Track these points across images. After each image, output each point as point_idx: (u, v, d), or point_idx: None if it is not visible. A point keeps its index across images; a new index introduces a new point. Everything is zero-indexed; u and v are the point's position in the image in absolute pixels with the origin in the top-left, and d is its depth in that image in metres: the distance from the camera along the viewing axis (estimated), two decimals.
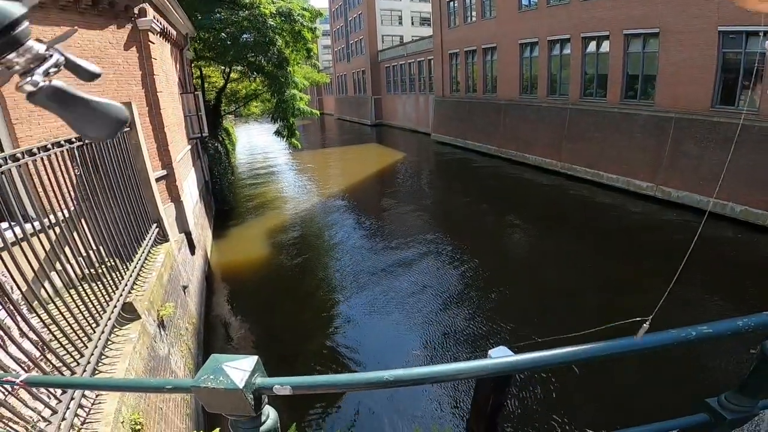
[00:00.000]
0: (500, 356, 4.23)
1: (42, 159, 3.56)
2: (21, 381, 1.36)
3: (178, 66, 12.14)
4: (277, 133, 20.14)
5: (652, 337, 0.95)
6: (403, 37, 42.75)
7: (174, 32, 10.73)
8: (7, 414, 2.46)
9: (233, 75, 20.36)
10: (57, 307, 3.36)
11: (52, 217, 3.53)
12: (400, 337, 8.19)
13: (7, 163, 3.09)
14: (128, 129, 5.89)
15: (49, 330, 3.21)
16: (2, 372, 1.70)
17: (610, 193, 15.72)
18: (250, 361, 0.94)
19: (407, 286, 10.07)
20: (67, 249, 3.72)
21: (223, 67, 19.51)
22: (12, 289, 2.88)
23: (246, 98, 23.02)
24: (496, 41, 23.31)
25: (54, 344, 3.15)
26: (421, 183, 22.00)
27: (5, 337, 2.68)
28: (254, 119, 34.75)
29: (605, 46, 16.67)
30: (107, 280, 4.23)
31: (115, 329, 4.07)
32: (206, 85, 20.76)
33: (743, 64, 12.16)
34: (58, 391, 2.91)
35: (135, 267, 5.01)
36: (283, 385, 0.94)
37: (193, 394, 0.93)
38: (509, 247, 12.65)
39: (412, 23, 44.56)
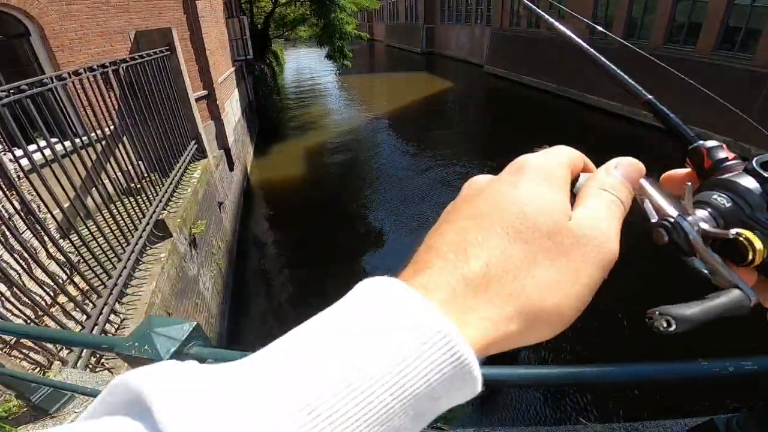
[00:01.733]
0: None
1: (87, 78, 3.83)
2: None
3: None
4: (329, 56, 19.74)
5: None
6: None
7: None
8: (29, 343, 2.46)
9: None
10: (88, 228, 3.48)
11: (93, 134, 3.83)
12: None
13: (53, 82, 3.32)
14: (168, 53, 6.09)
15: (78, 252, 3.26)
16: None
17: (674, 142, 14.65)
18: (184, 328, 0.81)
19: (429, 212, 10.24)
20: (107, 166, 4.00)
21: None
22: (39, 208, 2.84)
23: (294, 22, 22.49)
24: None
25: (83, 266, 3.23)
26: (468, 115, 21.27)
27: (30, 260, 2.61)
28: (303, 43, 34.11)
29: None
30: (142, 197, 4.53)
31: (146, 248, 4.26)
32: (255, 9, 20.34)
33: None
34: (83, 317, 2.99)
35: (170, 183, 5.34)
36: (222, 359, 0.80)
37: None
38: None
39: None
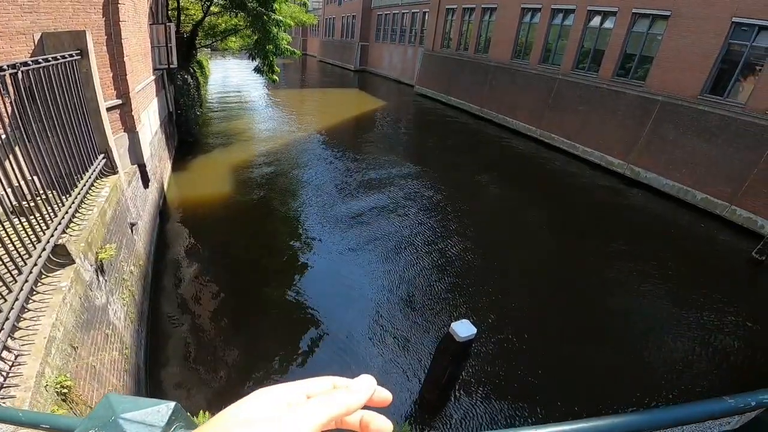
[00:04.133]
0: (463, 329, 4.31)
1: None
2: None
3: None
4: (257, 70, 19.25)
5: None
6: None
7: None
8: None
9: (213, 9, 19.03)
10: None
11: None
12: (360, 282, 8.46)
13: None
14: (78, 57, 5.51)
15: None
16: None
17: (581, 165, 16.23)
18: (161, 411, 0.62)
19: (370, 230, 10.35)
20: None
21: (203, 1, 18.15)
22: None
23: (225, 33, 21.73)
24: (497, 2, 22.59)
25: None
26: (398, 132, 21.95)
27: None
28: (232, 54, 33.08)
29: (610, 22, 16.44)
30: (36, 218, 3.97)
31: (42, 276, 3.75)
32: (183, 16, 19.34)
33: (745, 57, 12.27)
34: None
35: (72, 203, 4.76)
36: None
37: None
38: (471, 198, 13.01)
39: None
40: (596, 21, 17.16)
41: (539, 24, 19.89)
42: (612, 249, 10.03)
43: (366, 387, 0.40)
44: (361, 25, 41.07)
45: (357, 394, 0.39)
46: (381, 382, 0.43)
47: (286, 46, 17.96)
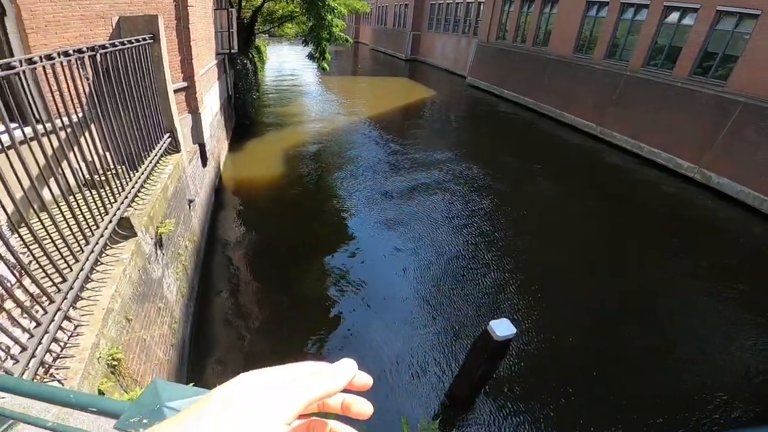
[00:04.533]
0: (501, 328, 4.20)
1: (60, 63, 3.53)
2: None
3: None
4: (310, 56, 19.58)
5: None
6: None
7: None
8: None
9: None
10: (42, 224, 3.15)
11: (58, 121, 3.51)
12: (405, 260, 8.61)
13: (21, 66, 2.98)
14: (151, 41, 5.79)
15: (30, 251, 2.95)
16: None
17: (644, 166, 15.28)
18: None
19: (414, 211, 10.44)
20: (70, 155, 3.68)
21: None
22: None
23: (281, 19, 22.18)
24: None
25: (34, 266, 2.91)
26: (448, 121, 21.65)
27: None
28: (288, 40, 33.78)
29: (689, 19, 15.34)
30: (106, 191, 4.21)
31: (107, 248, 3.92)
32: (243, 2, 19.97)
33: None
34: (32, 325, 2.75)
35: (139, 178, 5.03)
36: None
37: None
38: (522, 191, 12.63)
39: None
40: (673, 17, 16.05)
41: (606, 18, 18.89)
42: (680, 261, 9.31)
43: (347, 371, 0.42)
44: (413, 14, 40.63)
45: (339, 378, 0.41)
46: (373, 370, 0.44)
47: (339, 33, 18.11)
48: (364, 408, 0.43)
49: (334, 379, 0.40)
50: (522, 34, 25.16)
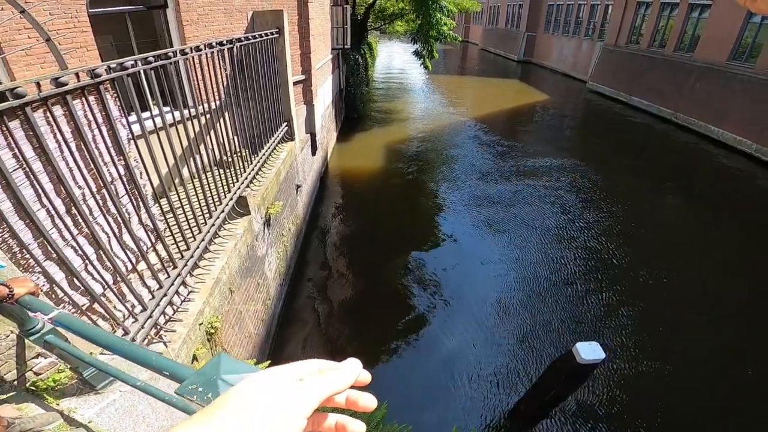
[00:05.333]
0: (588, 351, 3.89)
1: (206, 54, 3.97)
2: (50, 318, 1.52)
3: None
4: (416, 53, 19.68)
5: None
6: None
7: None
8: (100, 310, 2.55)
9: None
10: (178, 196, 3.57)
11: (201, 107, 3.97)
12: (501, 268, 8.32)
13: (176, 56, 3.42)
14: (277, 35, 6.26)
15: (165, 219, 3.31)
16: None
17: None
18: None
19: (517, 218, 10.05)
20: (206, 138, 4.12)
21: None
22: (141, 174, 2.91)
23: (392, 16, 22.63)
24: None
25: (166, 233, 3.28)
26: (561, 127, 19.76)
27: (122, 225, 2.69)
28: (398, 37, 34.39)
29: None
30: (231, 172, 4.66)
31: (225, 222, 4.36)
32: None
33: None
34: (156, 287, 3.06)
35: (258, 162, 5.48)
36: None
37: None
38: (645, 214, 10.69)
39: None
40: None
41: None
42: None
43: (353, 369, 0.46)
44: (528, 14, 38.68)
45: (348, 376, 0.45)
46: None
47: (447, 32, 17.92)
48: (369, 402, 0.46)
49: (344, 377, 0.44)
50: (661, 38, 22.66)
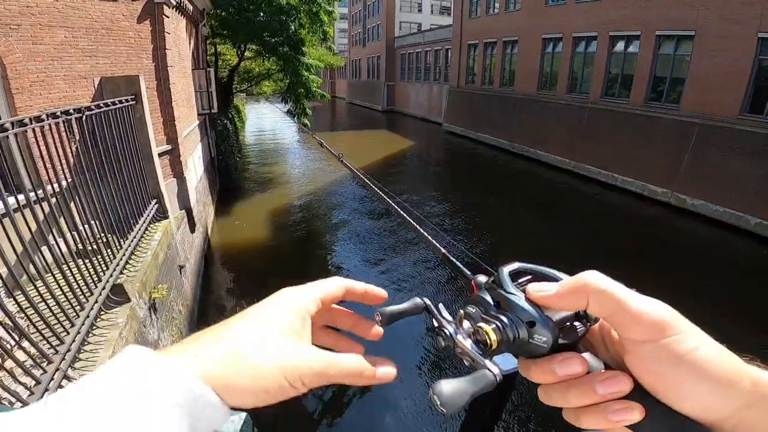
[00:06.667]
0: (505, 362, 4.11)
1: (50, 126, 3.45)
2: None
3: (192, 41, 11.94)
4: (289, 113, 19.97)
5: None
6: (421, 24, 42.13)
7: (191, 7, 10.52)
8: None
9: (247, 54, 20.12)
10: (38, 291, 3.18)
11: (48, 188, 3.39)
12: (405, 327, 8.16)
13: (13, 128, 2.90)
14: (133, 102, 5.76)
15: (27, 316, 3.01)
16: None
17: (621, 196, 15.58)
18: (235, 421, 0.66)
19: (408, 272, 10.17)
20: (60, 222, 3.54)
21: (237, 46, 19.23)
22: None
23: (259, 77, 22.80)
24: (518, 34, 22.86)
25: (32, 329, 3.00)
26: (428, 172, 21.92)
27: None
28: (265, 99, 34.66)
29: (634, 46, 16.24)
30: (98, 259, 4.06)
31: (101, 313, 3.88)
32: (220, 62, 20.54)
33: None
34: (31, 382, 2.79)
35: (129, 245, 4.85)
36: None
37: None
38: (511, 235, 12.53)
39: (432, 11, 43.90)
40: (620, 46, 16.93)
41: (563, 53, 19.83)
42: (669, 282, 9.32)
43: (385, 373, 0.42)
44: (386, 65, 42.17)
45: (369, 376, 0.42)
46: None
47: (316, 89, 18.63)
48: (379, 292, 0.49)
49: (366, 375, 0.41)
50: (489, 77, 26.27)
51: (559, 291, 0.38)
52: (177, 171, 8.20)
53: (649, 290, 0.36)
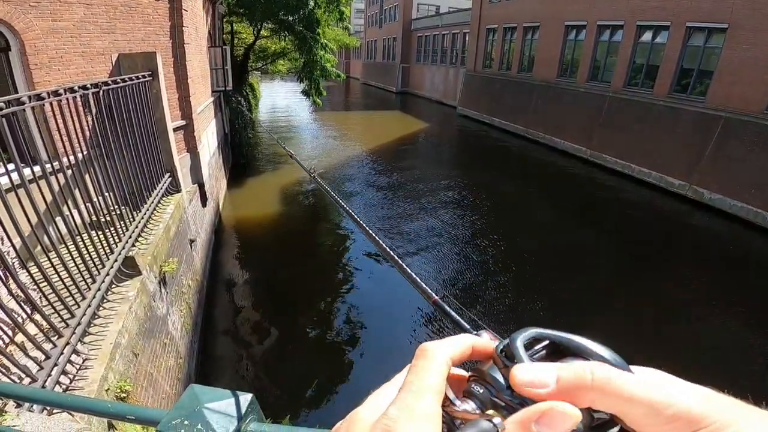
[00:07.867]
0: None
1: (66, 100, 3.51)
2: None
3: (209, 19, 11.90)
4: (305, 92, 19.83)
5: None
6: (439, 7, 41.23)
7: None
8: None
9: (263, 32, 19.93)
10: (51, 262, 3.15)
11: (63, 160, 3.46)
12: (405, 303, 8.20)
13: (30, 101, 2.93)
14: (150, 78, 5.81)
15: (39, 288, 2.99)
16: None
17: (636, 186, 15.33)
18: (240, 401, 0.70)
19: (413, 250, 10.25)
20: (75, 194, 3.63)
21: (254, 24, 19.05)
22: (2, 240, 2.64)
23: (274, 56, 22.60)
24: (540, 20, 22.29)
25: (44, 302, 2.98)
26: (440, 154, 21.79)
27: None
28: (280, 77, 34.50)
29: (662, 37, 15.75)
30: (110, 231, 4.13)
31: (113, 285, 3.91)
32: (236, 40, 20.39)
33: None
34: (41, 357, 2.76)
35: (141, 218, 4.94)
36: None
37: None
38: (518, 219, 12.51)
39: None
40: (647, 36, 16.48)
41: (585, 41, 19.37)
42: (674, 276, 9.23)
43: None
44: (402, 47, 41.61)
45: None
46: None
47: (331, 68, 18.46)
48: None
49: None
50: (507, 62, 25.72)
51: (559, 388, 0.30)
52: (191, 146, 8.30)
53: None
